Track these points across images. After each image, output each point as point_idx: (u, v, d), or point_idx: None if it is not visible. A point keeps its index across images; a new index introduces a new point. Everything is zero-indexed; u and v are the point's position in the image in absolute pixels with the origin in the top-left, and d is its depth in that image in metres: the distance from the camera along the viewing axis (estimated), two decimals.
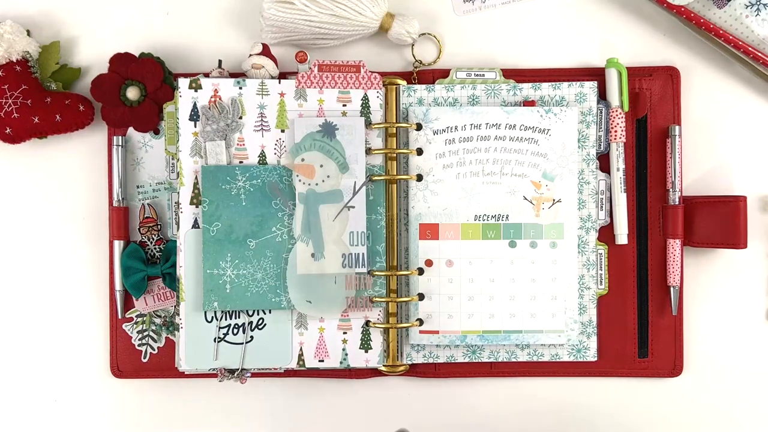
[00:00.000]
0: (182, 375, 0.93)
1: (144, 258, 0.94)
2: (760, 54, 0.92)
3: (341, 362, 0.92)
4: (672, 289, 0.94)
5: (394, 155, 0.93)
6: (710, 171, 0.96)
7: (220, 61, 0.93)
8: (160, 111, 0.93)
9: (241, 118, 0.91)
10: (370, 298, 0.92)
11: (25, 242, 0.96)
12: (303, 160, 0.91)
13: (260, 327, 0.91)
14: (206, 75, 0.92)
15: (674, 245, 0.93)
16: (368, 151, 0.92)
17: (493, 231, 0.93)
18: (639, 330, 0.95)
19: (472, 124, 0.93)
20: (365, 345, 0.92)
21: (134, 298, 0.94)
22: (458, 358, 0.94)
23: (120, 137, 0.94)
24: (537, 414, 0.97)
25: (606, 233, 0.94)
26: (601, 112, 0.94)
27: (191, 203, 0.91)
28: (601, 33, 0.96)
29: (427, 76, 0.95)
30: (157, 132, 0.95)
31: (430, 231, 0.93)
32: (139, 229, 0.95)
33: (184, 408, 0.97)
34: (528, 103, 0.94)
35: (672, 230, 0.94)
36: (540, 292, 0.93)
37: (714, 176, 0.96)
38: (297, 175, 0.91)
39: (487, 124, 0.93)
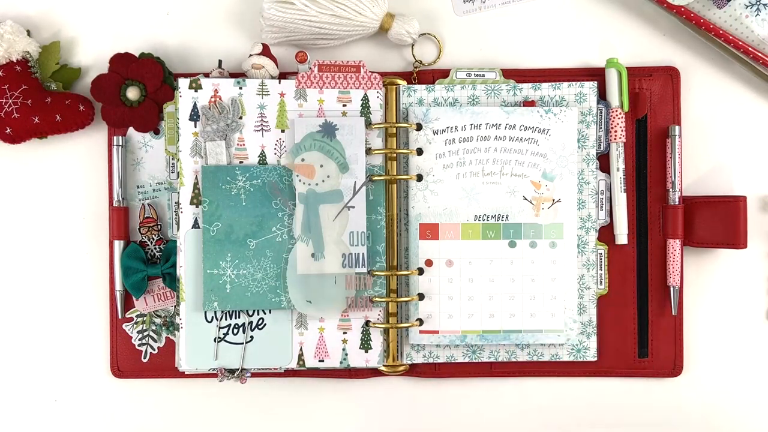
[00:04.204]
0: (182, 375, 0.93)
1: (144, 258, 0.94)
2: (760, 54, 0.92)
3: (341, 362, 0.92)
4: (672, 289, 0.94)
5: (394, 155, 0.93)
6: (710, 171, 0.96)
7: (220, 61, 0.93)
8: (160, 111, 0.93)
9: (241, 118, 0.91)
10: (370, 298, 0.92)
11: (25, 242, 0.96)
12: (303, 160, 0.91)
13: (260, 327, 0.91)
14: (206, 75, 0.92)
15: (674, 245, 0.93)
16: (368, 151, 0.92)
17: (492, 231, 0.93)
18: (639, 330, 0.95)
19: (472, 124, 0.93)
20: (365, 345, 0.92)
21: (134, 298, 0.94)
22: (458, 358, 0.94)
23: (120, 137, 0.94)
24: (537, 414, 0.97)
25: (606, 233, 0.94)
26: (601, 112, 0.94)
27: (191, 203, 0.91)
28: (601, 33, 0.96)
29: (427, 76, 0.95)
30: (157, 132, 0.95)
31: (430, 231, 0.93)
32: (139, 229, 0.95)
33: (184, 408, 0.97)
34: (528, 103, 0.94)
35: (672, 230, 0.94)
36: (540, 292, 0.93)
37: (714, 176, 0.96)
38: (297, 175, 0.91)
39: (487, 124, 0.93)
